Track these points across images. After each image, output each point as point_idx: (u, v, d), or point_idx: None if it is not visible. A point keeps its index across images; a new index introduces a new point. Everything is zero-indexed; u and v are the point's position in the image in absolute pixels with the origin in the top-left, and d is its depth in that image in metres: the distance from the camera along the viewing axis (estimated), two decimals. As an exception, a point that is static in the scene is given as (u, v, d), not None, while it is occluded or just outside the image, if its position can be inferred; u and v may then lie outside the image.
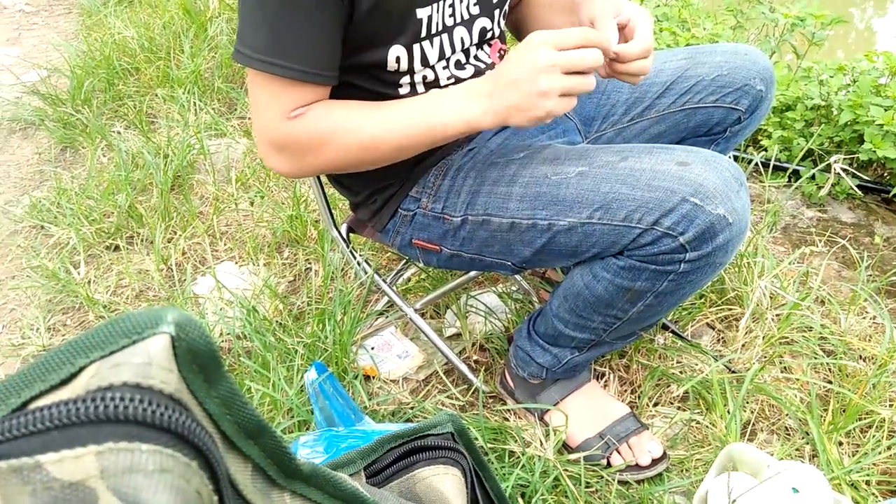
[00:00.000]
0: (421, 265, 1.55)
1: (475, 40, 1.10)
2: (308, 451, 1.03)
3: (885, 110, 1.84)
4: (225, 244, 1.91)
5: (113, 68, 2.80)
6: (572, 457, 1.22)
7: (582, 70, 0.88)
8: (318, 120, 0.98)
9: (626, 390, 1.39)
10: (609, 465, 1.22)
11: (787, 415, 1.31)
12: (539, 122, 0.92)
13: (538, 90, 0.88)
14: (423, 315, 1.52)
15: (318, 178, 1.35)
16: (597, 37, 0.90)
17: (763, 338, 1.43)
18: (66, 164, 2.42)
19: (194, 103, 2.56)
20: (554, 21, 1.18)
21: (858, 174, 1.89)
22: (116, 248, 1.92)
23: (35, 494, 0.27)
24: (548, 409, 1.28)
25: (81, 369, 0.30)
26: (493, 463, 1.20)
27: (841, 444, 1.24)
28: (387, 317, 1.56)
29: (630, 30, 0.99)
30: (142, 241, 1.94)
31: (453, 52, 1.07)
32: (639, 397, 1.36)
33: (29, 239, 2.02)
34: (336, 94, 1.03)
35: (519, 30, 1.27)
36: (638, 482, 1.20)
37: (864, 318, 1.51)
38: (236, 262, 1.83)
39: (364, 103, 1.01)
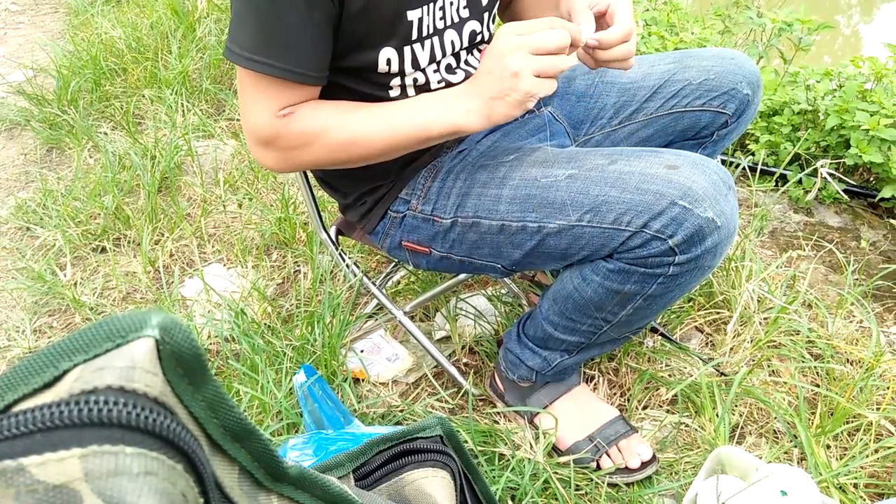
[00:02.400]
0: (410, 267, 1.55)
1: (465, 44, 1.10)
2: (297, 453, 1.03)
3: (871, 115, 1.85)
4: (213, 246, 1.90)
5: (100, 68, 2.78)
6: (562, 459, 1.22)
7: (549, 51, 0.88)
8: (306, 119, 0.98)
9: (615, 393, 1.39)
10: (598, 467, 1.22)
11: (775, 418, 1.31)
12: (522, 107, 0.90)
13: (509, 72, 0.88)
14: (412, 318, 1.52)
15: (307, 180, 1.35)
16: (563, 23, 0.90)
17: (751, 341, 1.43)
18: (52, 165, 2.41)
19: (182, 104, 2.55)
20: (543, 15, 1.18)
21: (845, 179, 1.90)
22: (103, 249, 1.91)
23: (18, 497, 0.27)
24: (537, 412, 1.28)
25: (65, 373, 0.29)
26: (482, 465, 1.20)
27: (829, 447, 1.25)
28: (376, 319, 1.56)
29: (610, 16, 0.99)
30: (129, 242, 1.93)
31: (444, 55, 1.07)
32: (628, 400, 1.36)
33: (14, 240, 2.00)
34: (325, 94, 1.03)
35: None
36: (627, 485, 1.20)
37: (850, 321, 1.52)
38: (224, 265, 1.82)
39: (352, 104, 1.01)
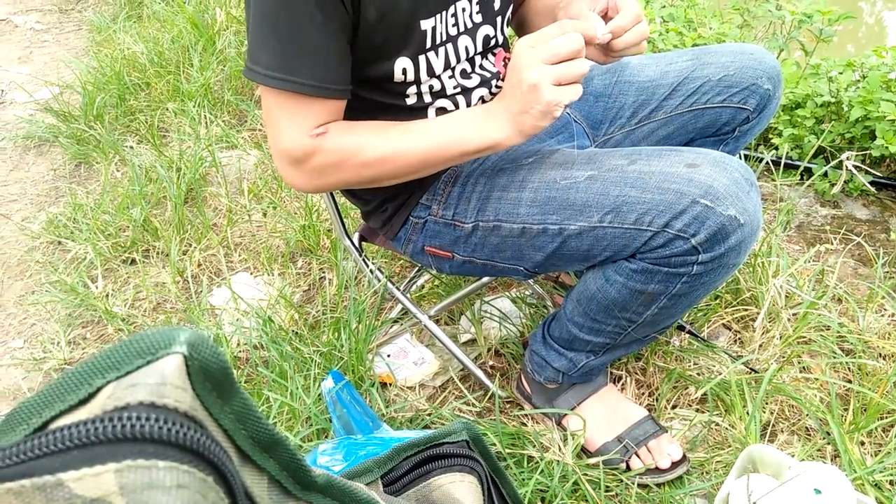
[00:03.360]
0: (434, 272, 1.56)
1: (479, 48, 1.10)
2: (328, 458, 1.04)
3: (897, 105, 1.82)
4: (239, 255, 1.92)
5: (123, 84, 2.83)
6: (591, 461, 1.22)
7: (565, 58, 0.88)
8: (342, 137, 0.99)
9: (643, 393, 1.38)
10: (628, 468, 1.21)
11: (807, 415, 1.30)
12: (549, 117, 0.91)
13: (528, 85, 0.89)
14: (437, 322, 1.52)
15: (330, 188, 1.36)
16: (574, 25, 0.90)
17: (780, 337, 1.42)
18: (80, 180, 2.45)
19: (205, 116, 2.58)
20: (542, 22, 1.18)
21: (871, 170, 1.87)
22: (133, 261, 1.94)
23: (57, 512, 0.28)
24: (565, 414, 1.27)
25: (98, 389, 0.30)
26: (511, 468, 1.20)
27: (863, 443, 1.23)
28: (401, 324, 1.56)
29: (613, 9, 1.00)
30: (157, 254, 1.96)
31: (458, 61, 1.08)
32: (656, 400, 1.35)
33: (47, 254, 2.04)
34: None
35: (522, 30, 1.28)
36: (658, 485, 1.20)
37: (882, 315, 1.50)
38: (251, 273, 1.84)
39: (385, 122, 1.02)
